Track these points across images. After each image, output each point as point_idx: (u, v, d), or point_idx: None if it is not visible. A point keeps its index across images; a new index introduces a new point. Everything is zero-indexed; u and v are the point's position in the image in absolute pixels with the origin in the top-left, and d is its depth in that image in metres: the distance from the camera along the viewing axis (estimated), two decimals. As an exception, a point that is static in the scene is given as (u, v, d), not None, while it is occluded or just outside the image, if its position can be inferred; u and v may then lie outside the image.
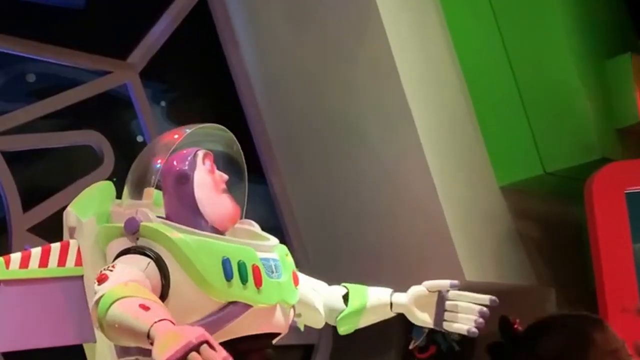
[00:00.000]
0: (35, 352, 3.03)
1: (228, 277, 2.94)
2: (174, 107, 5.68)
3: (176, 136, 3.13)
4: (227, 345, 2.86)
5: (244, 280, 2.96)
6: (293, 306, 3.19)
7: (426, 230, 5.40)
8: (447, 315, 3.31)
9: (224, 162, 3.22)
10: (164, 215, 3.11)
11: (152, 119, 5.45)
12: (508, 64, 5.58)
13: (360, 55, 5.44)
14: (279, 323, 3.11)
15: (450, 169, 5.42)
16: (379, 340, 5.55)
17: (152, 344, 2.51)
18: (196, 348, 2.43)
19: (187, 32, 5.67)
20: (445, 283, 3.33)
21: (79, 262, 3.06)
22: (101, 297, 2.73)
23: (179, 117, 5.56)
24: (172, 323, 2.55)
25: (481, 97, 5.62)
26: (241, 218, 3.23)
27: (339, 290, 3.41)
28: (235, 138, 3.24)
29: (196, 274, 2.91)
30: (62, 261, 3.04)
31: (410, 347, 5.65)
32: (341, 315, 3.33)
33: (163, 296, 2.91)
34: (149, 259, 2.90)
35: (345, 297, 3.38)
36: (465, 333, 3.26)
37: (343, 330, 3.38)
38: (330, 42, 5.54)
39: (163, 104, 5.65)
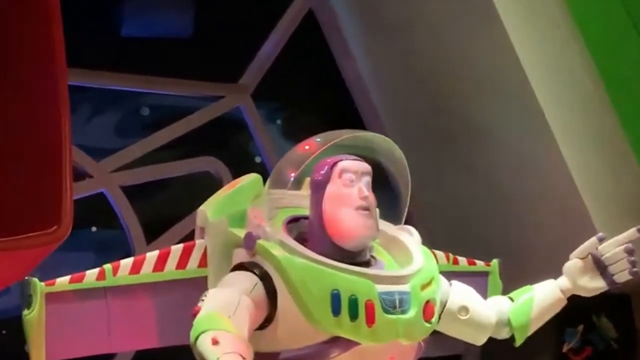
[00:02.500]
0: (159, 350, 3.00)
1: (335, 312, 2.74)
2: (290, 124, 5.63)
3: (319, 139, 2.90)
4: None
5: (353, 316, 2.74)
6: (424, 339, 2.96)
7: (570, 230, 5.14)
8: (610, 269, 3.05)
9: (381, 171, 2.97)
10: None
11: (269, 139, 5.41)
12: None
13: (480, 52, 5.24)
14: (400, 357, 2.87)
15: (589, 162, 5.15)
16: (530, 346, 5.31)
17: None
18: None
19: (296, 48, 5.63)
20: (591, 242, 3.06)
21: (202, 263, 2.94)
22: (193, 325, 2.68)
23: (296, 134, 5.49)
24: (242, 357, 2.49)
25: (613, 80, 5.31)
26: (399, 223, 3.04)
27: (504, 299, 3.15)
28: (395, 145, 2.97)
29: (301, 302, 2.75)
30: (182, 264, 2.92)
31: (564, 349, 5.41)
32: (511, 310, 3.06)
33: (270, 317, 2.80)
34: (257, 279, 2.78)
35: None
36: (630, 277, 3.04)
37: (518, 335, 3.12)
38: (446, 42, 5.37)
39: (279, 122, 5.61)
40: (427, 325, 2.86)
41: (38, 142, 3.89)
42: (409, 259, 2.93)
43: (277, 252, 2.79)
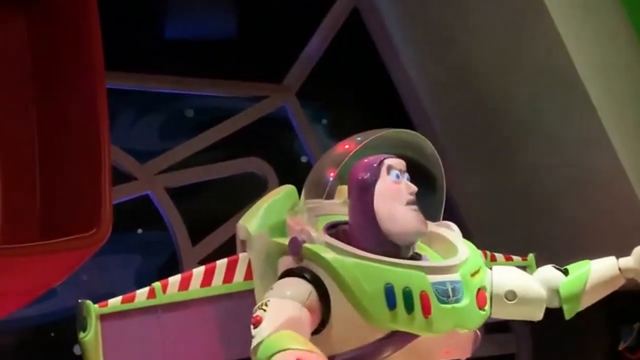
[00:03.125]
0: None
1: (390, 306, 2.72)
2: (336, 123, 5.58)
3: (359, 138, 2.91)
4: None
5: (409, 309, 2.73)
6: (479, 328, 2.89)
7: (619, 218, 5.02)
8: None
9: (415, 167, 2.96)
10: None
11: (314, 138, 5.36)
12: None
13: (525, 41, 5.14)
14: (458, 348, 2.86)
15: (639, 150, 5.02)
16: (583, 344, 5.22)
17: None
18: None
19: (341, 46, 5.57)
20: None
21: (248, 276, 2.93)
22: (259, 343, 2.66)
23: (342, 134, 5.38)
24: None
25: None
26: (437, 220, 3.01)
27: (552, 268, 3.09)
28: (427, 141, 2.98)
29: (356, 301, 2.73)
30: (228, 278, 2.92)
31: (620, 348, 5.28)
32: (563, 282, 3.00)
33: (324, 321, 2.77)
34: (310, 286, 2.75)
35: (566, 273, 3.05)
36: None
37: (568, 307, 3.02)
38: (495, 35, 5.27)
39: (324, 121, 5.56)
40: (482, 312, 2.85)
41: (78, 146, 3.90)
42: (454, 250, 2.92)
43: (326, 253, 2.77)
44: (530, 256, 3.44)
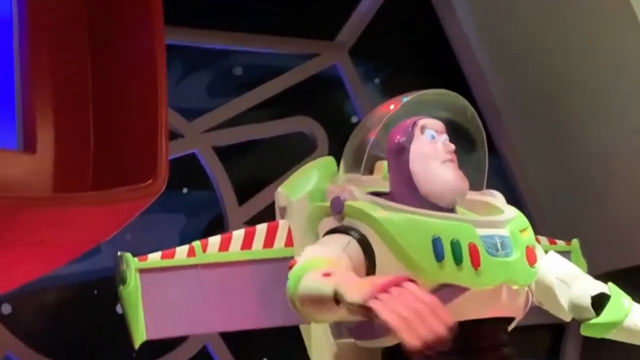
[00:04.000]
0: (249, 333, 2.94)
1: (439, 257, 2.66)
2: (389, 83, 5.43)
3: (392, 107, 2.87)
4: (458, 327, 2.54)
5: (457, 260, 2.67)
6: (530, 287, 2.83)
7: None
8: None
9: (455, 130, 2.89)
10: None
11: (366, 98, 5.21)
12: None
13: (595, 14, 4.95)
14: (508, 306, 2.77)
15: None
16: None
17: (338, 304, 2.36)
18: (399, 284, 2.25)
19: (396, 4, 5.40)
20: None
21: (289, 242, 2.91)
22: (290, 275, 2.59)
23: (395, 93, 5.24)
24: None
25: None
26: (480, 189, 2.94)
27: (594, 287, 2.95)
28: (467, 103, 2.91)
29: (403, 255, 2.67)
30: (268, 242, 2.90)
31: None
32: (587, 324, 2.90)
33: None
34: (351, 238, 2.70)
35: (600, 300, 2.92)
36: None
37: (586, 333, 2.95)
38: (557, 2, 5.08)
39: (377, 81, 5.41)
40: (532, 269, 2.79)
41: (136, 97, 3.80)
42: (499, 212, 2.86)
43: (369, 209, 2.72)
44: (575, 242, 3.34)
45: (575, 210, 5.22)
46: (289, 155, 4.98)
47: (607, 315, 2.89)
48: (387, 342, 2.72)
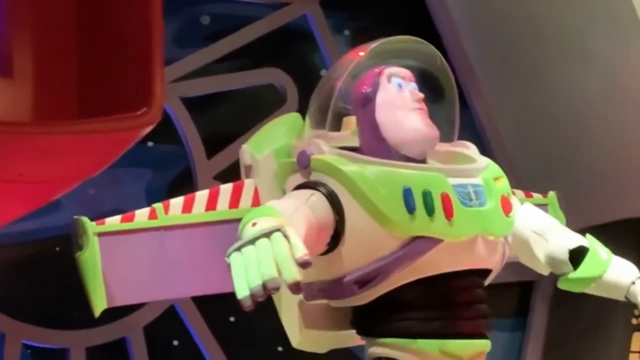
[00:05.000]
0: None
1: (410, 209, 2.58)
2: (360, 35, 5.31)
3: (359, 54, 2.77)
4: (426, 283, 2.61)
5: (429, 211, 2.59)
6: (506, 238, 2.75)
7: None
8: None
9: (424, 79, 2.81)
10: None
11: (336, 50, 5.09)
12: None
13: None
14: (485, 258, 2.69)
15: None
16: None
17: None
18: (268, 235, 2.25)
19: (369, -48, 5.30)
20: None
21: (256, 202, 2.81)
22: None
23: (365, 46, 5.18)
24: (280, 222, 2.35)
25: None
26: (452, 140, 2.86)
27: (572, 240, 2.88)
28: (437, 51, 2.82)
29: (373, 208, 2.58)
30: (234, 203, 2.81)
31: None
32: (564, 278, 2.83)
33: (339, 233, 2.61)
34: (314, 191, 2.62)
35: (578, 253, 2.85)
36: None
37: (563, 287, 2.88)
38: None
39: (347, 32, 5.30)
40: (508, 219, 2.72)
41: (126, 19, 3.62)
42: (472, 161, 2.78)
43: (338, 162, 2.63)
44: (552, 194, 3.26)
45: (548, 165, 5.16)
46: (258, 108, 4.88)
47: (585, 270, 2.82)
48: (358, 301, 2.66)
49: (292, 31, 5.11)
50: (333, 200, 2.60)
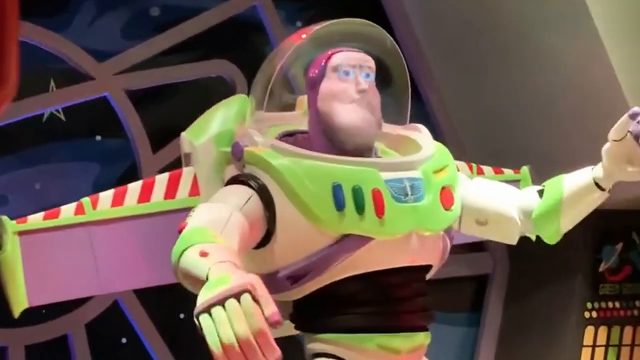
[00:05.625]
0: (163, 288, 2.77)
1: (339, 206, 2.52)
2: (309, 27, 5.21)
3: (303, 36, 2.70)
4: (363, 278, 2.55)
5: (359, 208, 2.52)
6: (447, 231, 2.68)
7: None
8: None
9: (374, 62, 2.71)
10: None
11: (288, 42, 5.00)
12: None
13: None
14: (421, 254, 2.63)
15: (636, 63, 4.71)
16: (563, 265, 5.00)
17: None
18: (237, 296, 1.99)
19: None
20: (624, 119, 2.59)
21: (194, 191, 2.74)
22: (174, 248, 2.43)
23: (317, 38, 5.09)
24: (235, 265, 2.20)
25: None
26: (404, 123, 2.81)
27: (534, 188, 2.82)
28: (387, 34, 2.75)
29: (302, 205, 2.52)
30: (170, 193, 2.73)
31: (601, 269, 5.05)
32: (535, 214, 2.71)
33: (270, 230, 2.55)
34: (252, 191, 2.54)
35: (541, 194, 2.75)
36: None
37: (547, 235, 2.74)
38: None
39: (299, 24, 5.19)
40: (448, 213, 2.64)
41: None
42: (417, 149, 2.70)
43: (267, 155, 2.56)
44: (524, 169, 3.18)
45: (499, 154, 5.12)
46: (207, 101, 4.69)
47: (548, 194, 2.70)
48: (292, 296, 2.61)
49: (243, 22, 5.01)
50: (264, 195, 2.53)
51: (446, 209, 2.65)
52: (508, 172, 3.16)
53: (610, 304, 5.03)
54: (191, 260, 2.26)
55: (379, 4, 5.24)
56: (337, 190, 2.51)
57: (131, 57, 4.70)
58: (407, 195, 2.57)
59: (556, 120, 4.88)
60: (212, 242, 2.30)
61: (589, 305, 5.00)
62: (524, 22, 4.81)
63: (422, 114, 5.15)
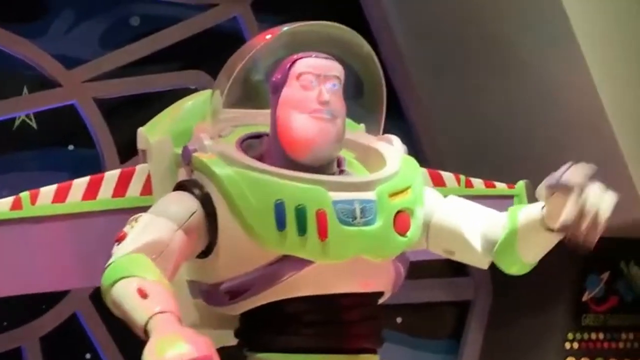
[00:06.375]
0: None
1: (280, 226, 2.37)
2: (294, 40, 5.10)
3: (268, 36, 2.55)
4: (308, 299, 2.43)
5: (301, 230, 2.38)
6: (400, 258, 2.53)
7: (596, 155, 4.61)
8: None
9: (346, 68, 2.56)
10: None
11: (268, 54, 4.89)
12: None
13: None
14: (367, 281, 2.49)
15: (621, 82, 4.63)
16: (546, 294, 4.86)
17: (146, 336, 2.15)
18: None
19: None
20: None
21: (146, 190, 2.61)
22: (110, 264, 2.32)
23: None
24: (174, 314, 2.16)
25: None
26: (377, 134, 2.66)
27: (501, 215, 2.59)
28: (363, 40, 2.58)
29: (242, 219, 2.38)
30: (119, 191, 2.59)
31: (584, 298, 4.87)
32: (497, 246, 2.52)
33: (212, 241, 2.43)
34: (196, 204, 2.42)
35: None
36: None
37: (507, 267, 2.55)
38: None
39: (281, 37, 5.07)
40: (401, 238, 2.47)
41: None
42: (382, 165, 2.53)
43: (212, 163, 2.42)
44: (520, 184, 2.98)
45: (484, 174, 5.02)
46: (181, 112, 4.69)
47: (507, 225, 2.50)
48: (230, 311, 2.49)
49: (223, 33, 4.91)
50: (207, 205, 2.41)
51: (400, 235, 2.48)
52: (501, 186, 2.97)
53: (593, 335, 4.87)
54: (128, 298, 2.20)
55: (363, 18, 5.14)
56: (279, 208, 2.37)
57: (102, 66, 4.61)
58: (355, 218, 2.42)
59: (536, 130, 4.78)
60: (151, 278, 2.23)
61: (570, 335, 4.84)
62: (505, 40, 4.73)
63: (405, 128, 5.04)
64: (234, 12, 4.85)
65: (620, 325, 4.93)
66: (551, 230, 2.39)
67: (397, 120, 5.05)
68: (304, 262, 2.39)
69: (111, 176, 2.59)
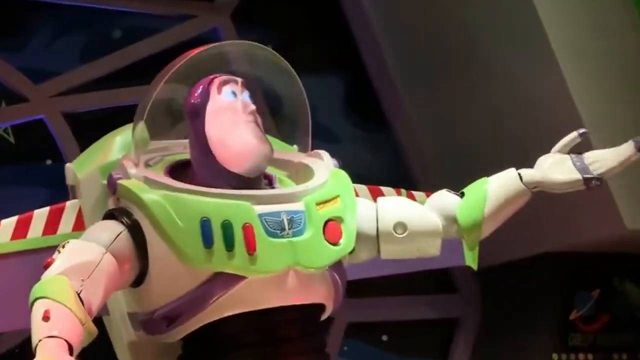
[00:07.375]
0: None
1: (207, 243, 2.33)
2: (277, 51, 5.02)
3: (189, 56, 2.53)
4: (246, 318, 2.37)
5: (229, 245, 2.34)
6: (336, 268, 2.47)
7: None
8: (589, 159, 2.62)
9: (266, 87, 2.58)
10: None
11: (249, 66, 4.81)
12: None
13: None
14: (303, 293, 2.42)
15: (596, 95, 4.54)
16: (534, 313, 4.72)
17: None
18: None
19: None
20: (572, 136, 2.65)
21: (79, 225, 2.57)
22: (35, 285, 2.29)
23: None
24: (65, 341, 2.14)
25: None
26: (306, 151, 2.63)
27: (445, 192, 2.65)
28: (278, 55, 2.55)
29: (170, 241, 2.34)
30: (50, 228, 2.56)
31: (572, 317, 4.71)
32: (460, 207, 2.56)
33: (143, 269, 2.39)
34: (122, 228, 2.38)
35: (462, 195, 2.62)
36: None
37: (469, 237, 2.59)
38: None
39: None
40: (333, 247, 2.44)
41: None
42: (311, 178, 2.52)
43: (138, 189, 2.39)
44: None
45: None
46: (157, 126, 4.61)
47: (471, 191, 2.58)
48: (169, 338, 2.44)
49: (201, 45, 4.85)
50: (136, 232, 2.37)
51: (331, 244, 2.44)
52: None
53: (581, 356, 4.70)
54: (34, 317, 2.20)
55: (348, 29, 5.05)
56: (205, 225, 2.34)
57: (71, 80, 4.57)
58: (284, 229, 2.38)
59: (511, 135, 4.70)
60: (63, 302, 2.20)
61: (555, 356, 4.68)
62: (488, 52, 4.68)
63: (392, 146, 4.94)
64: (214, 24, 4.81)
65: (611, 345, 4.76)
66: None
67: (382, 133, 4.97)
68: (235, 279, 2.35)
69: (40, 214, 2.56)
